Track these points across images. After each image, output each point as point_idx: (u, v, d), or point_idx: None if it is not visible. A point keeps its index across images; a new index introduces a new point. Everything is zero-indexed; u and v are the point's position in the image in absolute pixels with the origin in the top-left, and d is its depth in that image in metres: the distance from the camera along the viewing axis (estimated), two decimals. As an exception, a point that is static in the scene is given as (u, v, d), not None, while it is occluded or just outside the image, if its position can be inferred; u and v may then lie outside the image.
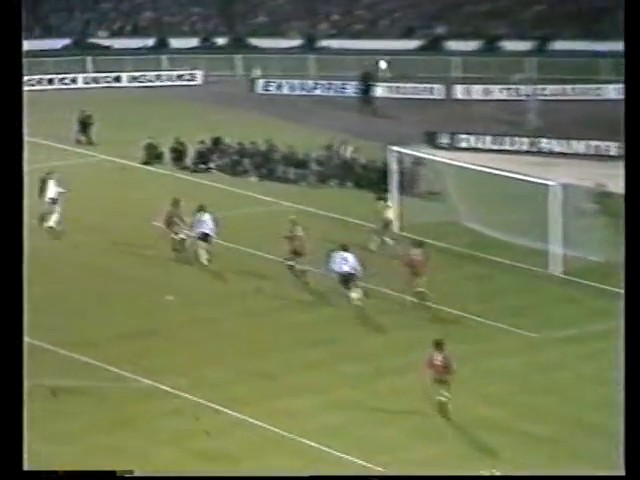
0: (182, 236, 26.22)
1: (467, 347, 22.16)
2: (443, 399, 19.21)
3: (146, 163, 34.37)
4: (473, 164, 28.47)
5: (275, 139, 34.14)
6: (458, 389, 20.12)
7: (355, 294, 23.30)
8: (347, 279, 23.35)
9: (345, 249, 23.61)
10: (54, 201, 27.96)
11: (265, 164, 33.73)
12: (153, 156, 34.50)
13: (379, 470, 17.61)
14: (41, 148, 33.37)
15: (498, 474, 16.70)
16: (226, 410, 19.90)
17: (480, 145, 35.41)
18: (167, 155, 34.53)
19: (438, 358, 19.30)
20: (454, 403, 19.73)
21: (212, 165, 34.13)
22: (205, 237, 25.91)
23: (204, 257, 25.98)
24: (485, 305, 24.35)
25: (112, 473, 13.03)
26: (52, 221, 27.78)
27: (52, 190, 27.93)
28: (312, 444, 18.68)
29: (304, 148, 33.73)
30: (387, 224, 27.34)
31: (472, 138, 35.57)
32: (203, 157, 34.23)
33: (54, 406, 19.51)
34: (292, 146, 33.72)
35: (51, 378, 20.09)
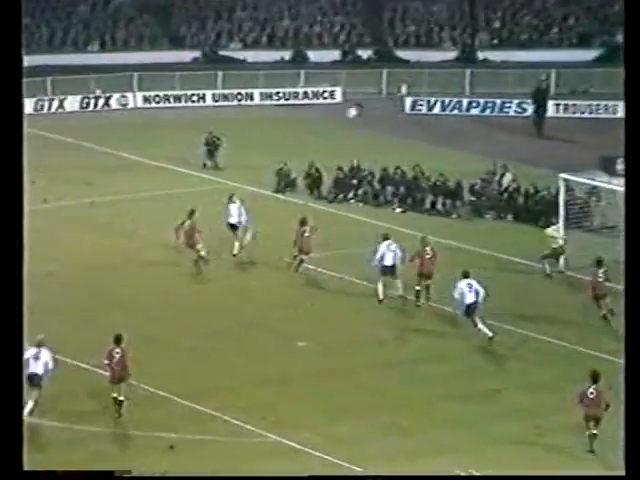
0: (202, 253, 27.76)
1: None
2: (594, 432, 20.58)
3: (278, 191, 35.05)
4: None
5: (423, 165, 34.36)
6: None
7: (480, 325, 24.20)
8: (471, 308, 24.26)
9: (466, 275, 24.53)
10: (234, 227, 29.24)
11: (411, 193, 33.96)
12: (286, 183, 35.15)
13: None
14: (163, 172, 34.62)
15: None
16: (356, 468, 20.13)
17: (666, 172, 34.67)
18: (301, 183, 35.12)
19: (592, 392, 20.66)
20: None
21: (351, 195, 34.56)
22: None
23: (235, 248, 28.57)
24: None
25: (110, 473, 14.69)
26: (235, 249, 29.00)
27: (234, 216, 29.28)
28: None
29: (456, 175, 33.80)
30: (558, 252, 27.60)
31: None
32: (341, 185, 34.72)
33: (170, 460, 20.11)
34: (443, 173, 33.85)
35: (171, 431, 20.72)
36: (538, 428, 21.42)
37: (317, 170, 35.05)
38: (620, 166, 35.03)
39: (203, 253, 28.10)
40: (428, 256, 26.34)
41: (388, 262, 26.37)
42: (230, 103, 45.84)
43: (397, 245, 26.70)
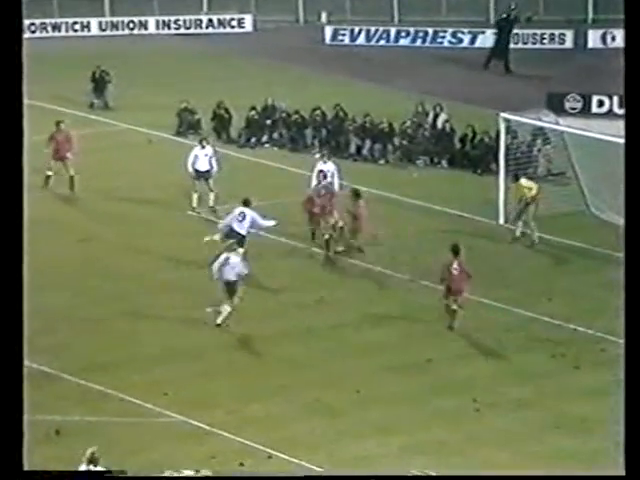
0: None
1: (607, 376, 22.23)
2: (455, 307, 23.45)
3: (180, 134, 34.76)
4: (611, 135, 28.21)
5: (347, 104, 34.35)
6: (591, 430, 20.29)
7: None
8: None
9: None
10: (200, 175, 29.27)
11: (334, 137, 33.97)
12: (189, 125, 34.87)
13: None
14: (45, 113, 34.12)
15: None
16: (279, 454, 20.23)
17: (621, 110, 34.97)
18: (207, 124, 34.87)
19: (455, 266, 23.39)
20: (583, 449, 19.91)
21: (265, 138, 34.46)
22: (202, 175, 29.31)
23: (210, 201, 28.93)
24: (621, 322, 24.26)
25: (108, 472, 16.08)
26: (211, 201, 29.21)
27: (202, 159, 29.41)
28: None
29: (384, 116, 33.87)
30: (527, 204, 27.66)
31: (610, 100, 35.13)
32: (254, 128, 34.60)
33: (56, 449, 19.98)
34: (369, 114, 33.89)
35: (53, 412, 20.58)
36: (475, 402, 21.69)
37: (226, 110, 34.80)
38: (569, 104, 35.35)
39: (72, 172, 29.24)
40: (363, 212, 26.46)
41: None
42: (120, 32, 45.16)
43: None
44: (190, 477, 17.87)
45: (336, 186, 28.32)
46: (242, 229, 25.96)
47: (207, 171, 29.31)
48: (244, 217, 26.03)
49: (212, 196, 29.20)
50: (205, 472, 18.57)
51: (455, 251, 24.08)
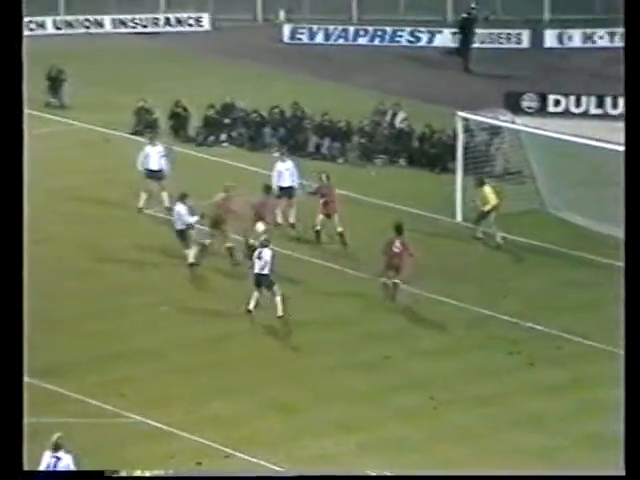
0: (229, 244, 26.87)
1: (563, 373, 22.44)
2: (394, 282, 24.55)
3: (137, 133, 34.64)
4: (567, 134, 28.48)
5: (306, 103, 34.39)
6: (547, 427, 20.48)
7: None
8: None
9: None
10: (152, 174, 29.07)
11: (293, 135, 33.99)
12: (146, 124, 34.74)
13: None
14: None
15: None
16: (237, 453, 20.26)
17: (577, 109, 35.26)
18: (164, 123, 34.77)
19: (397, 244, 24.41)
20: (539, 446, 20.08)
21: (224, 137, 34.43)
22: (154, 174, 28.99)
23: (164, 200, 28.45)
24: (588, 321, 24.49)
25: (100, 473, 16.56)
26: (165, 201, 28.84)
27: (153, 158, 29.21)
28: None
29: (343, 114, 33.95)
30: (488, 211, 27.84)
31: (567, 99, 35.39)
32: (212, 126, 34.57)
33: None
34: (327, 112, 33.95)
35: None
36: (434, 400, 21.82)
37: (184, 108, 34.74)
38: (526, 103, 35.59)
39: None
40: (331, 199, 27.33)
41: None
42: (76, 31, 44.96)
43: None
44: (188, 477, 17.81)
45: (295, 184, 28.35)
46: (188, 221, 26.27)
47: (159, 170, 29.20)
48: (179, 213, 26.32)
49: (165, 195, 29.04)
50: (163, 472, 18.51)
51: (398, 230, 24.86)
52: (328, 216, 27.41)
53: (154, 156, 29.31)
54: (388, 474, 17.62)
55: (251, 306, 24.06)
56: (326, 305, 25.11)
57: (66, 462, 18.65)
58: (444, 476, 18.07)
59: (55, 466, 18.59)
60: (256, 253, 24.25)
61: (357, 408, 21.73)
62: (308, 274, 26.58)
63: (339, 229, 27.42)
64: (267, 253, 24.11)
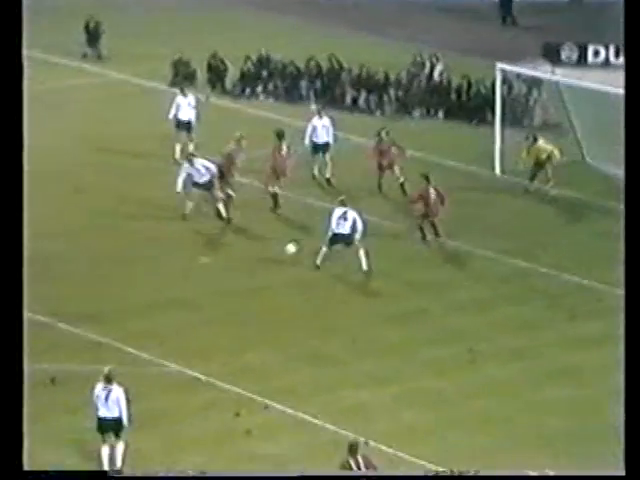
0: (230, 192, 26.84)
1: (594, 326, 22.30)
2: (431, 221, 24.95)
3: (174, 85, 34.54)
4: (607, 85, 28.10)
5: (342, 55, 34.14)
6: (586, 381, 20.39)
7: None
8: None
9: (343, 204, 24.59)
10: (184, 125, 29.12)
11: (329, 88, 33.78)
12: (184, 76, 34.64)
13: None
14: (38, 63, 33.91)
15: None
16: (275, 404, 20.26)
17: (617, 60, 34.78)
18: (202, 75, 34.66)
19: (431, 191, 24.73)
20: (577, 399, 20.03)
21: (260, 89, 34.27)
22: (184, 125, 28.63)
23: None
24: (621, 271, 24.28)
25: (104, 473, 16.07)
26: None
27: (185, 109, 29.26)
28: (383, 448, 18.94)
29: (381, 67, 33.70)
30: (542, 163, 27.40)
31: (606, 50, 34.91)
32: (249, 79, 34.43)
33: (53, 397, 20.00)
34: (364, 64, 33.67)
35: (49, 361, 20.59)
36: (471, 352, 21.71)
37: (221, 61, 34.59)
38: (565, 53, 35.17)
39: None
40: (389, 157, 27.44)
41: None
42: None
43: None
44: (190, 477, 17.83)
45: (331, 140, 28.10)
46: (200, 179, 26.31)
47: (188, 122, 29.10)
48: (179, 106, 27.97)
49: (191, 147, 28.79)
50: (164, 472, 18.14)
51: (427, 179, 25.44)
52: (385, 168, 27.53)
53: (185, 107, 29.19)
54: (392, 474, 17.48)
55: (319, 261, 24.22)
56: (356, 257, 24.90)
57: (117, 394, 18.69)
58: (444, 476, 17.81)
59: (107, 398, 18.66)
60: (340, 213, 24.21)
61: (393, 361, 21.69)
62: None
63: (401, 179, 27.38)
64: (352, 214, 24.19)
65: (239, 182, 27.21)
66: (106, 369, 18.62)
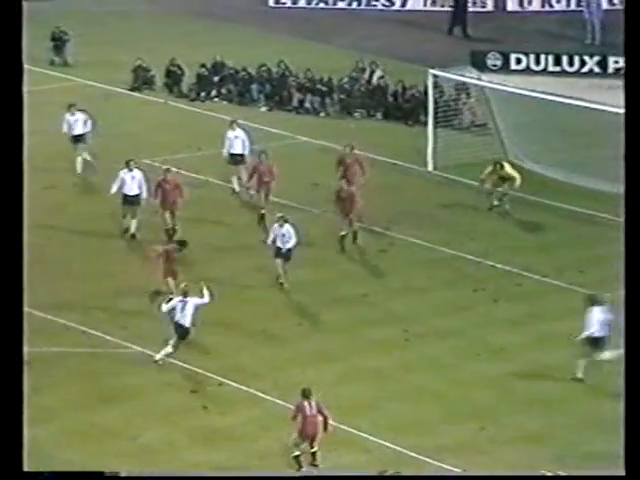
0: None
1: (519, 308, 22.48)
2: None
3: (135, 89, 34.34)
4: (528, 89, 28.35)
5: (290, 61, 34.20)
6: (509, 357, 20.59)
7: None
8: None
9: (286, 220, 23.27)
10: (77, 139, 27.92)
11: (278, 91, 33.77)
12: (143, 81, 34.45)
13: (412, 455, 18.10)
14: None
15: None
16: (229, 382, 20.27)
17: (536, 66, 35.06)
18: (160, 80, 34.48)
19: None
20: (501, 374, 20.20)
21: (214, 92, 34.18)
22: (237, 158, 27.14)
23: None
24: (541, 259, 24.57)
25: (100, 474, 15.33)
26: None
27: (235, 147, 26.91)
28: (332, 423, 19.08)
29: (325, 72, 33.74)
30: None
31: (527, 58, 35.17)
32: (204, 83, 34.30)
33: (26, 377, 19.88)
34: (310, 70, 33.71)
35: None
36: (406, 332, 21.84)
37: (179, 67, 34.44)
38: (490, 61, 35.36)
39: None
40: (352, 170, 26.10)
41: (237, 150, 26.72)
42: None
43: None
44: (194, 477, 17.81)
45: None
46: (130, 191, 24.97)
47: (136, 195, 25.21)
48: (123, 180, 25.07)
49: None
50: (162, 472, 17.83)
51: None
52: (349, 182, 25.34)
53: (129, 181, 25.11)
54: (390, 474, 17.37)
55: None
56: (306, 249, 24.92)
57: (192, 304, 20.38)
58: (444, 476, 17.76)
59: (183, 309, 20.33)
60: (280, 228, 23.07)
61: (337, 340, 21.75)
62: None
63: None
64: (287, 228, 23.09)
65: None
66: (182, 284, 20.61)
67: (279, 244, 23.19)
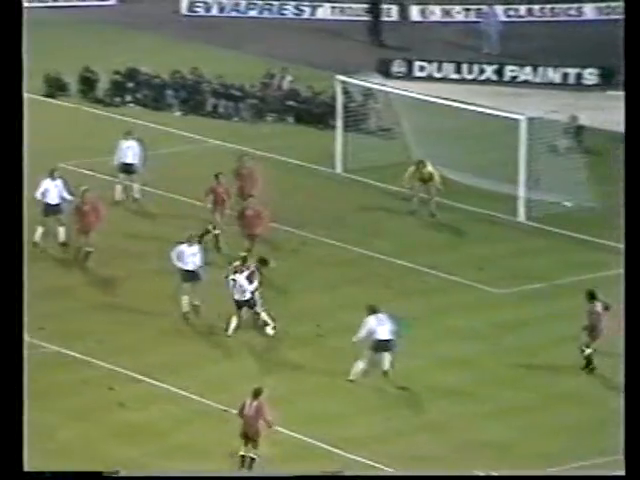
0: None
1: (420, 303, 22.66)
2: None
3: (49, 96, 33.82)
4: (430, 95, 28.66)
5: (203, 68, 33.99)
6: (411, 351, 20.74)
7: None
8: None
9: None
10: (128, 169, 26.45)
11: (192, 97, 33.58)
12: (56, 87, 33.95)
13: (321, 445, 18.14)
14: None
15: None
16: (145, 379, 20.10)
17: (438, 74, 35.46)
18: (74, 86, 34.04)
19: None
20: (407, 368, 20.35)
21: (129, 98, 33.85)
22: (128, 168, 26.65)
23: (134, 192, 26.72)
24: (442, 256, 24.82)
25: (98, 474, 15.09)
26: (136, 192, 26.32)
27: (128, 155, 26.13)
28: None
29: (237, 78, 33.62)
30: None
31: (430, 65, 35.56)
32: (119, 89, 33.96)
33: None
34: (222, 76, 33.56)
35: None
36: (319, 327, 21.87)
37: (92, 72, 34.09)
38: (395, 68, 35.67)
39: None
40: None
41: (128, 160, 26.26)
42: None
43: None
44: (190, 477, 17.53)
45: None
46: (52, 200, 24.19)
47: (57, 204, 24.50)
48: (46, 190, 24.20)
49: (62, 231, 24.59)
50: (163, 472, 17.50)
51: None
52: (244, 197, 24.62)
53: (52, 189, 24.39)
54: (391, 474, 17.47)
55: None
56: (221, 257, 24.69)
57: (387, 322, 20.08)
58: (444, 476, 17.58)
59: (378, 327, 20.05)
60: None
61: (252, 336, 21.67)
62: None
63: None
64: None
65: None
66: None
67: (182, 265, 22.02)
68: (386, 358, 20.48)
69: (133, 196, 26.74)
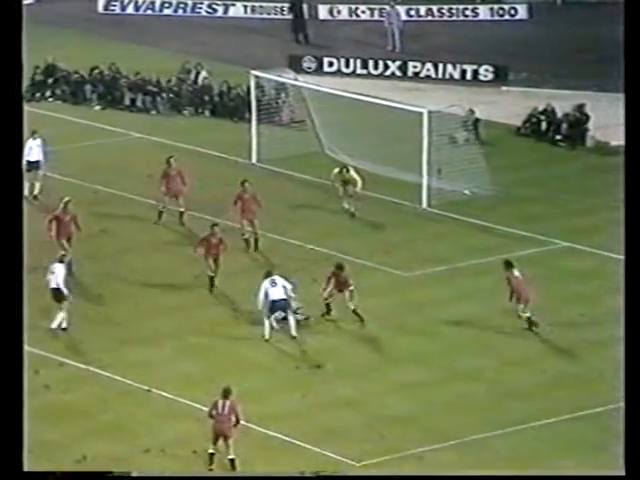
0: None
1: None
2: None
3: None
4: (339, 90, 28.77)
5: (121, 64, 33.66)
6: (323, 331, 20.86)
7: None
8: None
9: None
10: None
11: (110, 91, 33.21)
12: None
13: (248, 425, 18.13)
14: None
15: None
16: (69, 362, 19.84)
17: (346, 69, 35.64)
18: (-6, 83, 33.36)
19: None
20: (316, 349, 20.49)
21: (49, 93, 33.33)
22: (34, 166, 26.41)
23: (35, 189, 26.46)
24: (350, 242, 24.94)
25: (108, 474, 15.10)
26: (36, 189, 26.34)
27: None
28: (168, 396, 18.86)
29: (154, 74, 33.31)
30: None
31: (338, 62, 35.71)
32: (38, 85, 33.47)
33: None
34: (139, 72, 33.25)
35: None
36: (236, 311, 21.82)
37: (13, 69, 33.40)
38: (306, 64, 35.77)
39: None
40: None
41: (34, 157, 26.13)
42: None
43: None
44: (190, 477, 17.22)
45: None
46: None
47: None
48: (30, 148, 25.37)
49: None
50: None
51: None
52: (252, 223, 24.43)
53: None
54: (391, 474, 17.14)
55: None
56: (141, 233, 24.54)
57: (280, 284, 20.71)
58: (444, 476, 17.38)
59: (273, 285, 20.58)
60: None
61: (169, 321, 21.58)
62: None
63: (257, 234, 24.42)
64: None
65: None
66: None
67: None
68: (291, 322, 20.79)
69: (34, 194, 26.40)
